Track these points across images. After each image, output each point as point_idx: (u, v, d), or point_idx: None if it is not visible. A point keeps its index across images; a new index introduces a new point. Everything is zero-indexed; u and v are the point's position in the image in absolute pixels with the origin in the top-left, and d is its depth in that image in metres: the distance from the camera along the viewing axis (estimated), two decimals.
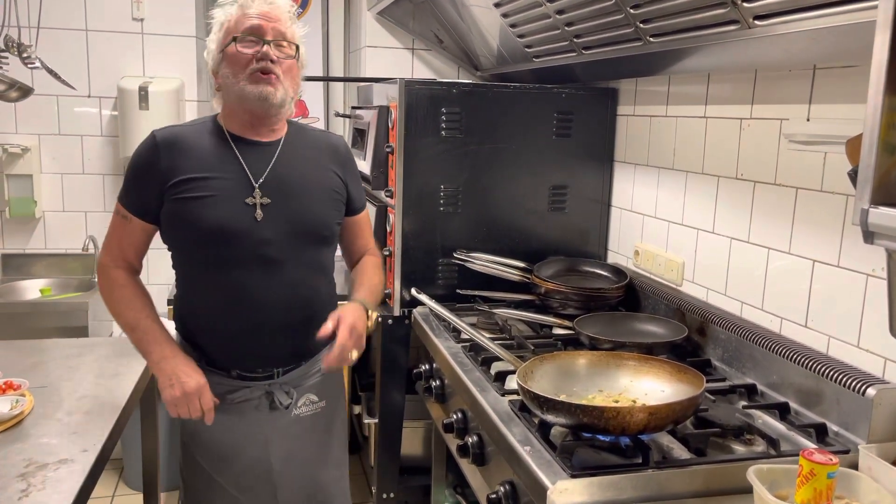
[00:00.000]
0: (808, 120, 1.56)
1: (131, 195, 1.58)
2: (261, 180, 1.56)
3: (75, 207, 3.21)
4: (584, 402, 1.39)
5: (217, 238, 1.52)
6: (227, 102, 1.59)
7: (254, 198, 1.54)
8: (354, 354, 1.54)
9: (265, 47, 1.52)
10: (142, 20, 3.13)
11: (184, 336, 1.64)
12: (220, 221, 1.52)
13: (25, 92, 2.59)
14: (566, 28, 1.97)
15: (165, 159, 1.53)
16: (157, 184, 1.54)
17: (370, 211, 2.45)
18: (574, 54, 2.07)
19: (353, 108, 2.88)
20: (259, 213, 1.54)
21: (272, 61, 1.52)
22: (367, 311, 1.62)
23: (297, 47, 1.59)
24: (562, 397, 1.37)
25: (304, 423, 1.66)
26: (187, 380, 1.49)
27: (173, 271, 1.64)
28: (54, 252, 3.21)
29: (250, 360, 1.60)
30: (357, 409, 2.83)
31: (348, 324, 1.52)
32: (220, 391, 1.57)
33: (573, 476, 1.21)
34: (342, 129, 3.41)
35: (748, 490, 1.13)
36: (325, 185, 1.65)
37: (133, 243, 1.60)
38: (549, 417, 1.31)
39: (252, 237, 1.53)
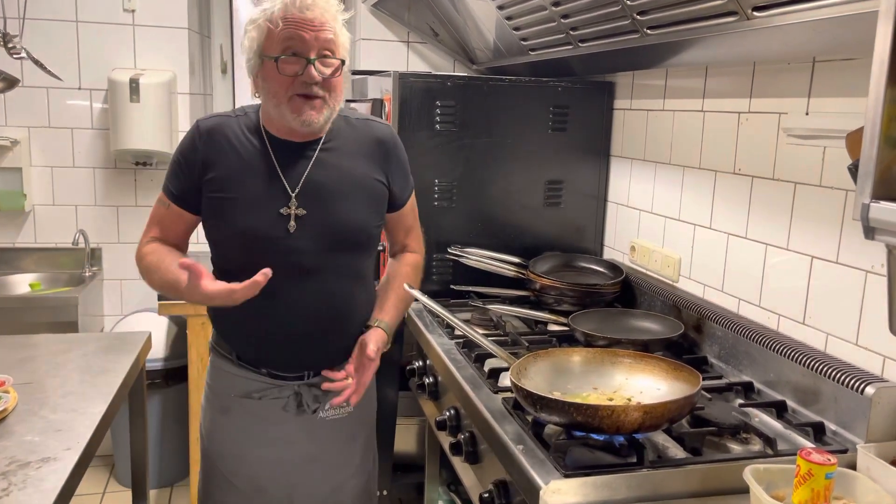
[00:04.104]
0: (807, 114, 1.54)
1: (172, 182, 1.54)
2: (297, 189, 1.49)
3: (65, 201, 3.18)
4: (578, 400, 1.37)
5: (248, 244, 1.48)
6: (267, 109, 1.49)
7: (289, 208, 1.48)
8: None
9: (309, 67, 1.39)
10: (133, 11, 3.10)
11: (218, 331, 1.63)
12: (252, 228, 1.47)
13: (11, 83, 2.56)
14: (562, 20, 1.94)
15: (204, 151, 1.49)
16: (196, 175, 1.50)
17: None
18: (570, 47, 2.04)
19: (348, 101, 2.85)
20: (293, 225, 1.48)
21: (316, 83, 1.40)
22: (387, 336, 1.61)
23: (343, 61, 1.45)
24: (556, 395, 1.35)
25: (330, 426, 1.62)
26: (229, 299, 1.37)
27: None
28: (44, 246, 3.18)
29: (281, 361, 1.57)
30: None
31: (372, 369, 1.57)
32: (250, 388, 1.57)
33: (566, 476, 1.18)
34: None
35: (745, 490, 1.11)
36: (366, 186, 1.56)
37: (173, 231, 1.57)
38: (543, 416, 1.29)
39: (285, 247, 1.47)
